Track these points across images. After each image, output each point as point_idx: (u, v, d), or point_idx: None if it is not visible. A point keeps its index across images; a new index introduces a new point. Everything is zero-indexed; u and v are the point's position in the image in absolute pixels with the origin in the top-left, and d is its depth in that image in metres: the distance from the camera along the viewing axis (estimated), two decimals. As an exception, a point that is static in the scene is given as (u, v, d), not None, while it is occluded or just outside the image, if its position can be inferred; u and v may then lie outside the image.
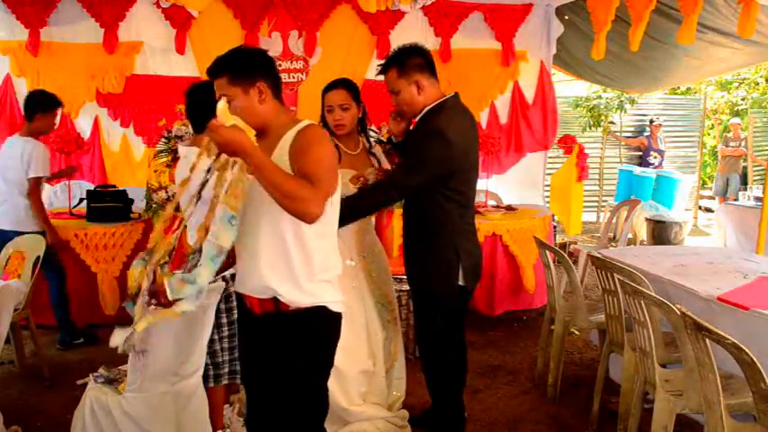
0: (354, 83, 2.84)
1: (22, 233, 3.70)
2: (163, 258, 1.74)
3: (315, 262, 1.83)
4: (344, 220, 2.22)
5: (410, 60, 2.50)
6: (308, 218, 1.67)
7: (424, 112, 2.53)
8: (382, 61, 2.62)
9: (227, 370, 2.61)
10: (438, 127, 2.44)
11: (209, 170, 1.75)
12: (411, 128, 2.65)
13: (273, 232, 1.79)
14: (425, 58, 2.54)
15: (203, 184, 1.78)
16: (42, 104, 3.83)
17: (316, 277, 1.83)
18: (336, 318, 1.89)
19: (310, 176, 1.69)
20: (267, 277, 1.79)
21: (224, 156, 1.69)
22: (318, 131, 1.84)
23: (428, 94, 2.52)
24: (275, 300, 1.81)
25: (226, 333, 2.57)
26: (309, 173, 1.70)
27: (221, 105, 1.67)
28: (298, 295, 1.81)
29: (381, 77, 2.62)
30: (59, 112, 3.94)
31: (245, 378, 2.08)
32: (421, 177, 2.47)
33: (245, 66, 1.82)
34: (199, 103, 2.50)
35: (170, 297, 1.64)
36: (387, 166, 2.92)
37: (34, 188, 3.73)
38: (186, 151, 2.54)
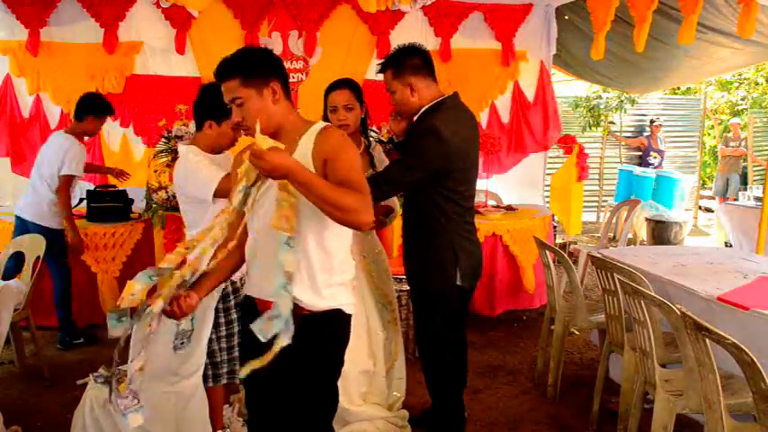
0: (357, 83, 2.84)
1: (41, 227, 3.76)
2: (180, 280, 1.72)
3: (335, 264, 1.85)
4: None
5: (406, 62, 2.51)
6: (364, 227, 1.70)
7: (421, 111, 2.54)
8: (382, 60, 2.63)
9: (225, 370, 2.61)
10: (433, 125, 2.45)
11: (245, 195, 1.71)
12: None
13: (297, 242, 1.77)
14: (423, 58, 2.54)
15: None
16: (96, 109, 3.89)
17: (334, 280, 1.85)
18: (348, 319, 1.92)
19: (351, 184, 1.70)
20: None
21: (261, 179, 1.66)
22: (339, 134, 1.83)
23: (423, 95, 2.52)
24: (293, 304, 1.81)
25: (224, 333, 2.57)
26: (349, 180, 1.71)
27: (258, 129, 1.62)
28: (316, 300, 1.82)
29: (381, 77, 2.63)
30: (109, 119, 4.02)
31: (249, 380, 2.07)
32: (415, 174, 2.47)
33: (258, 66, 1.80)
34: (212, 103, 2.49)
35: (262, 340, 1.64)
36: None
37: (64, 185, 3.77)
38: (185, 149, 2.54)
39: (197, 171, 2.41)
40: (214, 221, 1.75)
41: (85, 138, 4.00)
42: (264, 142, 1.59)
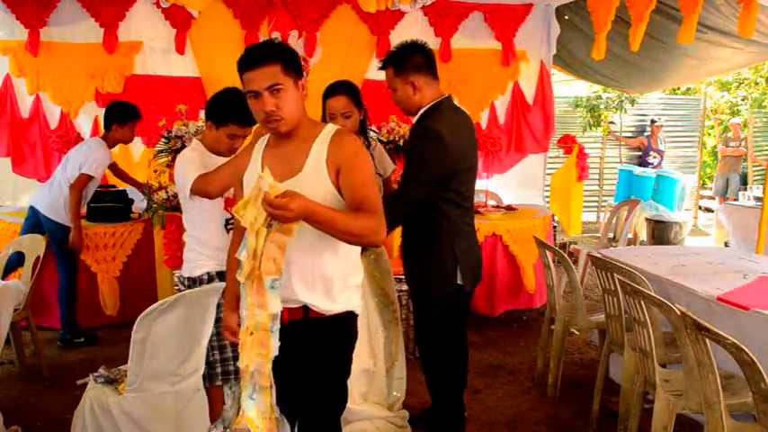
0: (355, 86, 2.84)
1: (55, 222, 3.83)
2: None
3: (348, 267, 1.86)
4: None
5: (409, 60, 2.50)
6: (379, 244, 1.72)
7: (419, 113, 2.53)
8: (385, 57, 2.62)
9: (219, 371, 2.58)
10: (435, 130, 2.43)
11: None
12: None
13: (311, 253, 1.78)
14: (426, 56, 2.52)
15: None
16: (117, 116, 3.94)
17: (347, 285, 1.86)
18: (357, 318, 1.93)
19: (365, 203, 1.71)
20: (299, 291, 1.79)
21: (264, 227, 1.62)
22: (352, 140, 1.83)
23: (425, 94, 2.51)
24: (305, 308, 1.82)
25: (215, 330, 2.55)
26: (363, 198, 1.72)
27: (271, 180, 1.57)
28: (330, 305, 1.83)
29: (382, 78, 2.62)
30: (136, 124, 4.04)
31: None
32: (426, 185, 2.45)
33: (295, 58, 1.79)
34: (218, 106, 2.51)
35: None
36: (389, 165, 3.03)
37: (78, 183, 3.80)
38: (196, 147, 2.57)
39: (183, 165, 2.46)
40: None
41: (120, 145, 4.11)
42: (274, 189, 1.55)
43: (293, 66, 1.76)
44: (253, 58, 1.73)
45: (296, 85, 1.76)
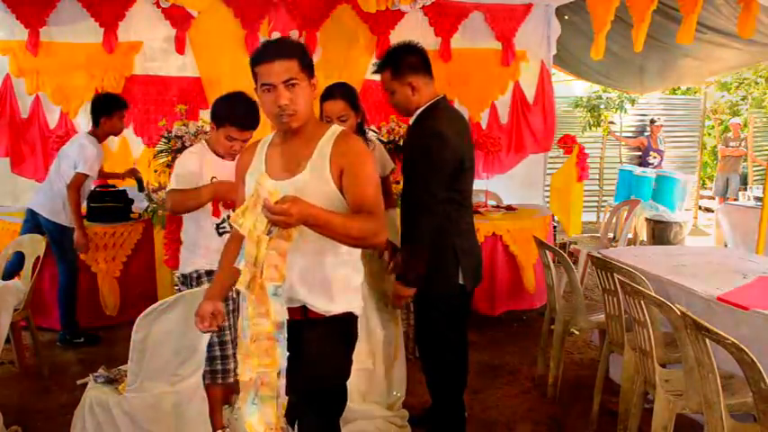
0: (352, 88, 2.84)
1: (54, 223, 3.83)
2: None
3: (349, 269, 1.87)
4: (410, 266, 2.40)
5: (404, 61, 2.50)
6: (380, 246, 1.73)
7: (417, 113, 2.52)
8: (378, 60, 2.62)
9: (208, 369, 2.57)
10: (435, 128, 2.43)
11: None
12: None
13: (312, 253, 1.78)
14: (420, 56, 2.52)
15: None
16: (103, 108, 3.91)
17: (348, 286, 1.87)
18: (357, 319, 1.94)
19: (365, 204, 1.72)
20: (298, 291, 1.79)
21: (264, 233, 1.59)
22: (356, 141, 1.84)
23: (422, 94, 2.51)
24: (304, 308, 1.82)
25: None
26: (363, 200, 1.73)
27: (269, 185, 1.56)
28: (330, 306, 1.83)
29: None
30: (124, 113, 4.02)
31: None
32: (441, 185, 2.43)
33: (309, 57, 1.82)
34: (219, 109, 2.52)
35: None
36: (388, 164, 3.04)
37: (75, 182, 3.78)
38: (199, 148, 2.59)
39: (176, 166, 2.52)
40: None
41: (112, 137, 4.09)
42: (274, 195, 1.54)
43: (308, 64, 1.78)
44: (271, 51, 1.74)
45: (309, 83, 1.79)
